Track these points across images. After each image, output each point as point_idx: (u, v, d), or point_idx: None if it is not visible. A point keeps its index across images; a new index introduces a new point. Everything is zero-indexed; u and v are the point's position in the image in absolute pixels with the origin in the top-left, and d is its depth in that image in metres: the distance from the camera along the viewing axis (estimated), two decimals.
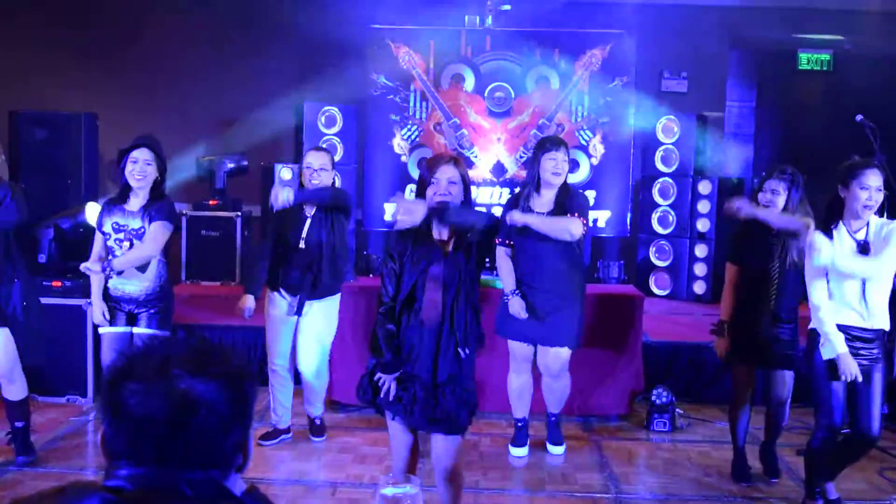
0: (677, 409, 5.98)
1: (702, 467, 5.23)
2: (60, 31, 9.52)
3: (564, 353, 5.23)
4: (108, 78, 9.42)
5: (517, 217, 4.98)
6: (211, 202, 8.89)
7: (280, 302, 5.38)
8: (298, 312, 5.33)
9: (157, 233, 4.79)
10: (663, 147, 8.65)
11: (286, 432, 5.57)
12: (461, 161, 3.82)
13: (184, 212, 8.68)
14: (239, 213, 8.82)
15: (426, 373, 3.67)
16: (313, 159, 5.34)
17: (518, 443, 5.46)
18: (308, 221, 5.29)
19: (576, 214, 5.02)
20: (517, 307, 5.08)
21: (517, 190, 5.43)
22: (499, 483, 4.98)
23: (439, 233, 3.71)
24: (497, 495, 4.80)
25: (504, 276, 5.20)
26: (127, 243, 4.78)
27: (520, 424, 5.47)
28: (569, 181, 5.28)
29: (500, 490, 4.88)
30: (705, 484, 5.01)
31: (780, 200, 4.74)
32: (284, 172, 8.63)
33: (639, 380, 6.15)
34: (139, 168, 4.74)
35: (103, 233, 4.85)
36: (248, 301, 5.39)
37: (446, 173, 3.68)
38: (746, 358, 4.95)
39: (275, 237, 5.36)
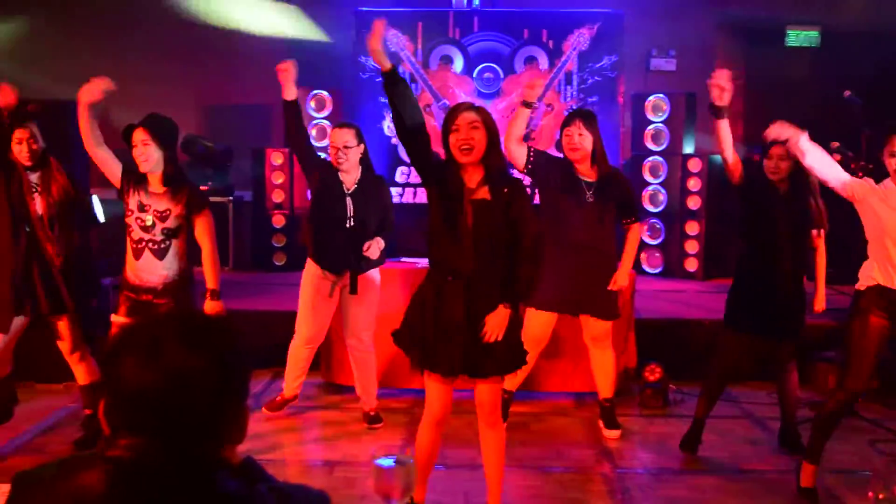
0: (670, 385, 6.03)
1: (710, 440, 5.26)
2: (47, 20, 9.49)
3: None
4: (95, 65, 9.38)
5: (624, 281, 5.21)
6: (202, 188, 8.87)
7: (322, 282, 5.35)
8: (353, 291, 5.29)
9: (209, 225, 4.74)
10: (653, 126, 8.67)
11: (293, 399, 5.64)
12: (483, 108, 3.74)
13: None
14: (231, 198, 8.83)
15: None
16: (335, 138, 5.23)
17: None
18: (349, 200, 5.21)
19: (633, 219, 5.18)
20: None
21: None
22: None
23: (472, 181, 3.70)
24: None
25: None
26: (151, 223, 4.62)
27: (505, 397, 5.49)
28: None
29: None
30: (698, 458, 5.06)
31: (785, 166, 4.73)
32: (275, 157, 8.65)
33: (631, 357, 6.20)
34: (139, 150, 4.59)
35: (125, 201, 4.66)
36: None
37: (467, 118, 3.65)
38: (749, 328, 4.93)
39: (319, 215, 5.28)
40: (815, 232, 4.95)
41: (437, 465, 4.48)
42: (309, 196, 5.53)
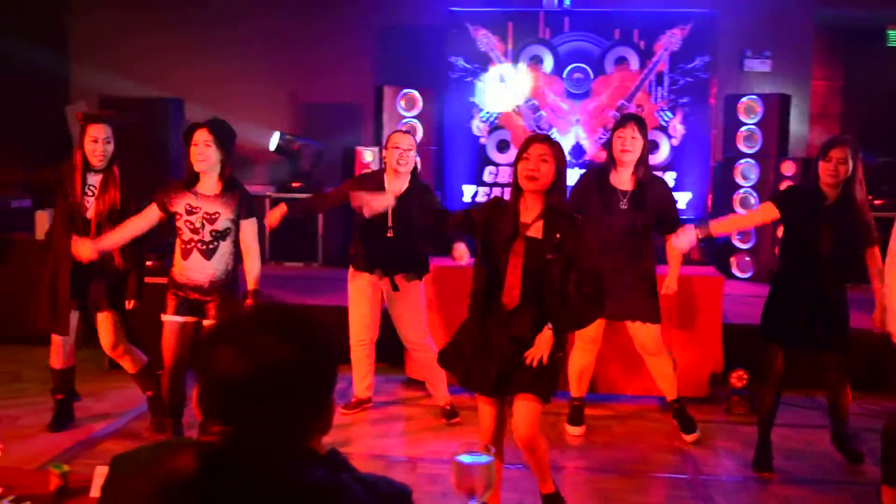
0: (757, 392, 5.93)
1: (782, 450, 5.16)
2: (150, 20, 9.78)
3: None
4: (194, 64, 9.66)
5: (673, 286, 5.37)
6: (293, 184, 9.07)
7: (365, 282, 5.53)
8: (395, 288, 5.46)
9: (254, 230, 4.85)
10: (745, 127, 8.52)
11: (367, 401, 5.78)
12: (557, 142, 3.79)
13: (267, 194, 8.89)
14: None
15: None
16: (401, 141, 5.37)
17: (576, 421, 5.49)
18: (390, 210, 5.30)
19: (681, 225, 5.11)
20: None
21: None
22: (574, 461, 5.02)
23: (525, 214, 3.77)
24: (573, 473, 4.85)
25: None
26: (200, 225, 4.74)
27: (576, 404, 5.51)
28: (651, 161, 5.23)
29: (577, 468, 4.92)
30: (785, 467, 4.97)
31: (844, 170, 4.58)
32: (366, 154, 8.77)
33: (718, 362, 6.12)
34: (199, 150, 4.68)
35: (172, 212, 4.77)
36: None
37: (538, 150, 3.70)
38: (783, 340, 4.79)
39: (359, 221, 5.44)
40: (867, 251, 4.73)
41: (517, 465, 4.52)
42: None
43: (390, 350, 6.17)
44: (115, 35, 9.81)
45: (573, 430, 5.45)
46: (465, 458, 2.17)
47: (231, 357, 1.51)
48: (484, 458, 2.16)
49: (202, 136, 4.69)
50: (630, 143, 5.03)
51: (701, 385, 6.08)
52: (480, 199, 9.02)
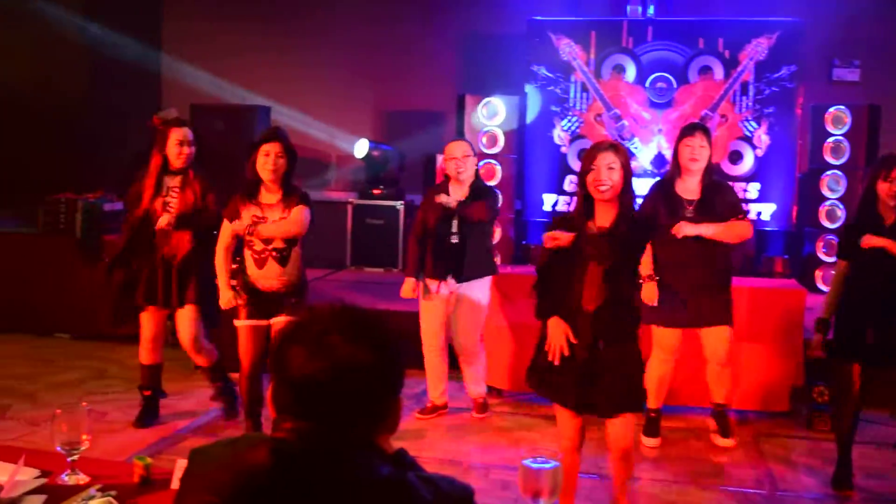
0: None
1: (863, 469, 5.05)
2: (238, 32, 10.04)
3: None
4: (280, 70, 9.87)
5: (688, 230, 4.95)
6: (375, 191, 9.19)
7: (429, 290, 5.68)
8: (454, 291, 5.60)
9: (302, 215, 4.88)
10: (833, 138, 8.33)
11: (443, 407, 5.86)
12: (622, 148, 3.81)
13: (350, 200, 9.04)
14: (402, 202, 9.09)
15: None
16: (455, 150, 5.50)
17: (652, 433, 5.45)
18: (456, 217, 5.48)
19: (741, 216, 5.11)
20: (650, 293, 4.67)
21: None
22: (648, 473, 4.99)
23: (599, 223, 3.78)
24: (648, 485, 4.82)
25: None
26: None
27: (653, 415, 5.46)
28: (731, 173, 5.22)
29: (653, 480, 4.88)
30: (867, 486, 4.86)
31: None
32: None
33: (799, 377, 6.01)
34: (272, 161, 4.82)
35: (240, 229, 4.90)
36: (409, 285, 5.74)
37: (605, 159, 3.70)
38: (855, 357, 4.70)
39: (424, 231, 5.62)
40: None
41: (592, 475, 4.52)
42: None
43: None
44: (205, 42, 10.10)
45: (649, 442, 5.42)
46: (532, 463, 2.20)
47: (303, 357, 1.57)
48: (550, 463, 2.19)
49: (275, 148, 4.84)
50: (699, 153, 5.05)
51: (781, 399, 5.98)
52: (560, 208, 9.01)
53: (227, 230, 4.97)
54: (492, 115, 8.81)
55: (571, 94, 9.01)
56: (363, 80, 9.91)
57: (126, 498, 2.39)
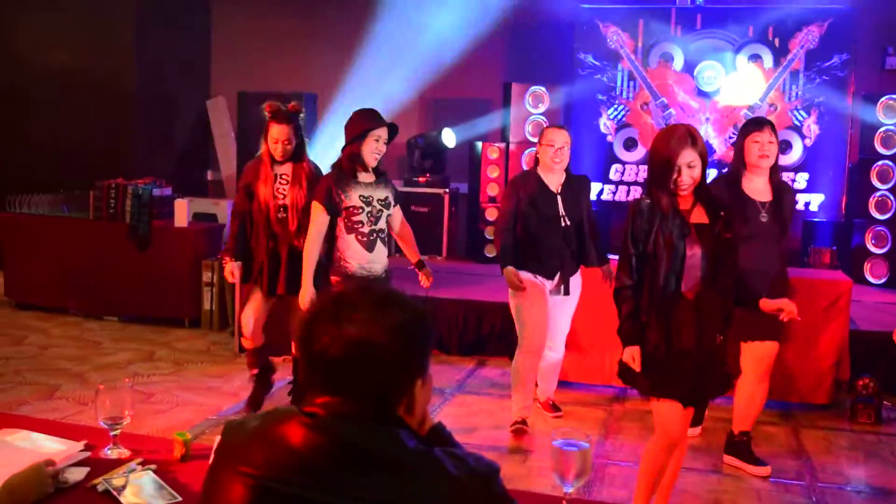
0: (884, 402, 5.74)
1: None
2: (285, 19, 10.14)
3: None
4: (326, 61, 9.94)
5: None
6: (420, 179, 9.23)
7: (536, 287, 5.26)
8: (567, 292, 5.32)
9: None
10: (884, 128, 8.20)
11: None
12: (699, 137, 3.65)
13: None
14: (447, 190, 9.11)
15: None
16: (556, 138, 5.21)
17: (694, 421, 5.27)
18: (560, 199, 5.25)
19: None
20: None
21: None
22: (688, 462, 4.95)
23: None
24: (685, 474, 4.80)
25: None
26: (379, 213, 4.90)
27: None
28: (779, 162, 4.91)
29: (685, 468, 4.85)
30: None
31: None
32: (492, 151, 8.86)
33: (844, 369, 5.95)
34: (379, 147, 4.83)
35: (345, 209, 4.85)
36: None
37: (686, 158, 3.57)
38: None
39: (526, 218, 5.25)
40: None
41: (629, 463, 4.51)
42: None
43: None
44: (254, 30, 10.21)
45: (690, 431, 5.38)
46: (563, 445, 2.23)
47: (326, 334, 1.62)
48: (580, 445, 2.22)
49: (384, 134, 4.87)
50: (769, 148, 4.69)
51: (824, 391, 5.92)
52: (606, 197, 8.98)
53: (321, 217, 4.88)
54: (537, 104, 8.80)
55: (618, 83, 8.97)
56: (409, 69, 9.92)
57: (166, 472, 2.46)
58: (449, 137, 9.23)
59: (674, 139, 3.61)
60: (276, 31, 10.12)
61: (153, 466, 2.47)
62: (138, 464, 2.49)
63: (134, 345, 7.14)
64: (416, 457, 1.60)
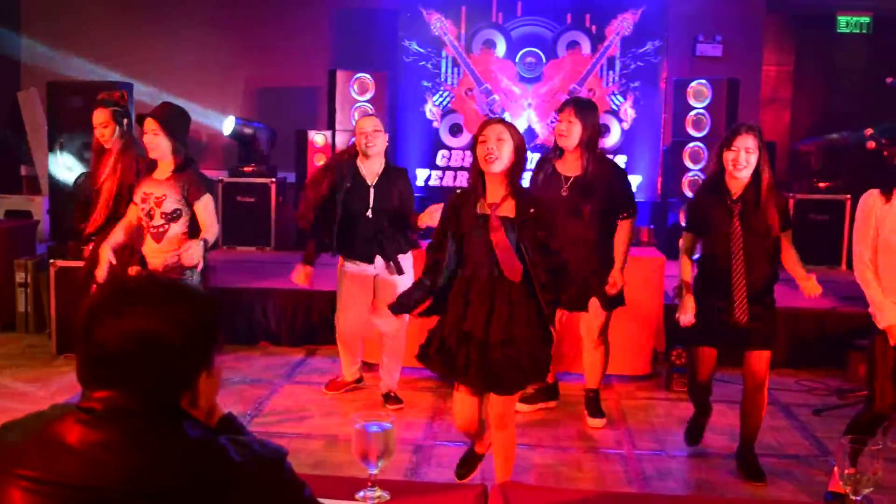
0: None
1: (718, 426, 5.24)
2: (99, 7, 9.74)
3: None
4: (141, 47, 9.61)
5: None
6: (246, 168, 9.05)
7: (352, 268, 5.50)
8: (400, 272, 5.40)
9: (210, 207, 4.85)
10: (695, 112, 8.61)
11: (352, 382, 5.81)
12: (510, 123, 3.79)
13: (220, 178, 8.86)
14: (274, 180, 8.98)
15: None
16: (365, 125, 5.39)
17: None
18: (372, 192, 5.36)
19: (623, 216, 5.12)
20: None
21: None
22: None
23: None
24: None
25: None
26: (154, 212, 4.77)
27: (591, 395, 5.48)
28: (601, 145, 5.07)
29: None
30: (718, 443, 5.05)
31: (754, 159, 4.30)
32: (318, 139, 8.78)
33: (660, 341, 6.22)
34: (148, 139, 4.76)
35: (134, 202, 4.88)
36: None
37: (495, 130, 3.67)
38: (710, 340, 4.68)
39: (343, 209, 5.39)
40: None
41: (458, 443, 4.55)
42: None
43: None
44: (65, 16, 9.76)
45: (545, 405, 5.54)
46: (365, 426, 2.23)
47: (104, 326, 1.55)
48: (382, 427, 2.22)
49: (151, 126, 4.75)
50: (566, 128, 4.90)
51: (643, 362, 6.17)
52: (433, 182, 9.06)
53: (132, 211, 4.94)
54: (363, 91, 8.78)
55: (442, 70, 9.06)
56: (233, 56, 9.73)
57: None
58: (227, 125, 8.99)
59: (488, 119, 3.86)
60: (89, 20, 9.70)
61: None
62: None
63: None
64: (199, 447, 1.56)
